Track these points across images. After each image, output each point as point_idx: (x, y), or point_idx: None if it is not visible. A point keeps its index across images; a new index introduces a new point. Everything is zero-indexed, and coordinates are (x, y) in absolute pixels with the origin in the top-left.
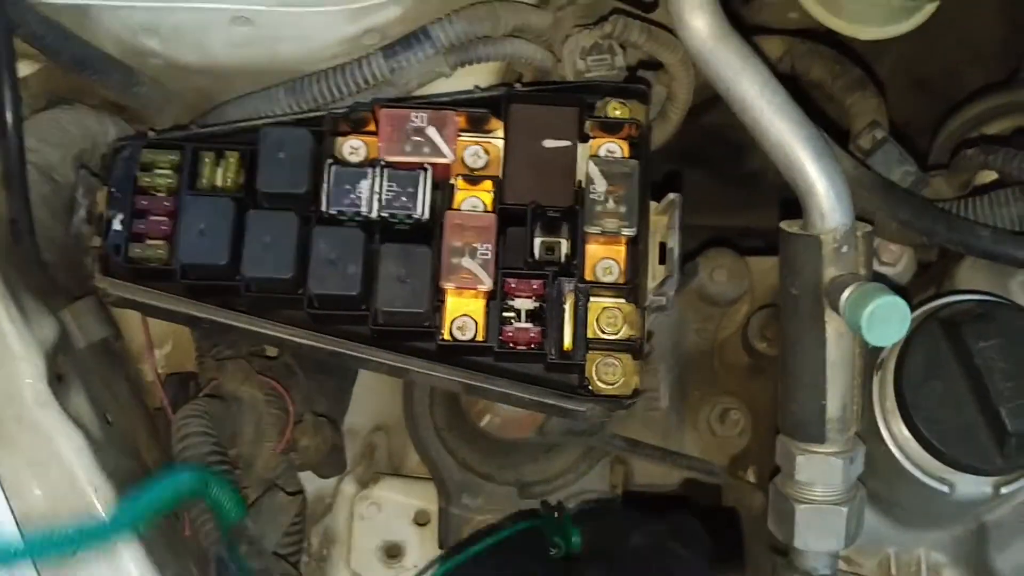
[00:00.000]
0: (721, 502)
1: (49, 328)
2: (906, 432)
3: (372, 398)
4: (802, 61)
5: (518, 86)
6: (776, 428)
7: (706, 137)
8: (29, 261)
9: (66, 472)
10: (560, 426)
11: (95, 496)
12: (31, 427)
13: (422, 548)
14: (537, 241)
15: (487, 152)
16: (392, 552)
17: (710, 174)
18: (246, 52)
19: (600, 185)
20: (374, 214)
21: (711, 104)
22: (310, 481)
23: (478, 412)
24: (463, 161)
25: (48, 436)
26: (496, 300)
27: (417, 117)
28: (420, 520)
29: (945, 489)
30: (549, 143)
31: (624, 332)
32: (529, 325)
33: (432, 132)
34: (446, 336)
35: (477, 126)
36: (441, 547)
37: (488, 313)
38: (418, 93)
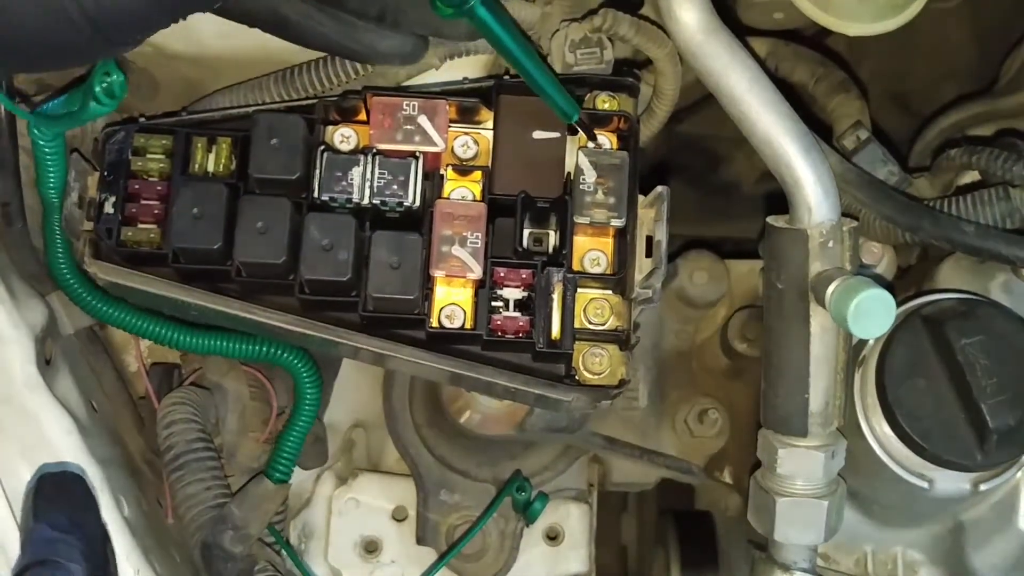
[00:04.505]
0: (695, 503)
1: (39, 312)
2: (887, 428)
3: (352, 395)
4: (786, 63)
5: (507, 78)
6: (753, 429)
7: (682, 147)
8: (20, 245)
9: (54, 455)
10: (539, 423)
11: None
12: (20, 410)
13: (400, 543)
14: (526, 231)
15: (477, 143)
16: (370, 547)
17: (686, 184)
18: (235, 42)
19: (589, 176)
20: (366, 201)
21: (687, 114)
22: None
23: (457, 409)
24: (453, 151)
25: (37, 419)
26: (485, 289)
27: (409, 106)
28: (398, 516)
29: (924, 485)
30: (538, 134)
31: (611, 323)
32: (517, 314)
33: (423, 121)
34: (435, 324)
35: (467, 117)
36: (419, 543)
37: (477, 302)
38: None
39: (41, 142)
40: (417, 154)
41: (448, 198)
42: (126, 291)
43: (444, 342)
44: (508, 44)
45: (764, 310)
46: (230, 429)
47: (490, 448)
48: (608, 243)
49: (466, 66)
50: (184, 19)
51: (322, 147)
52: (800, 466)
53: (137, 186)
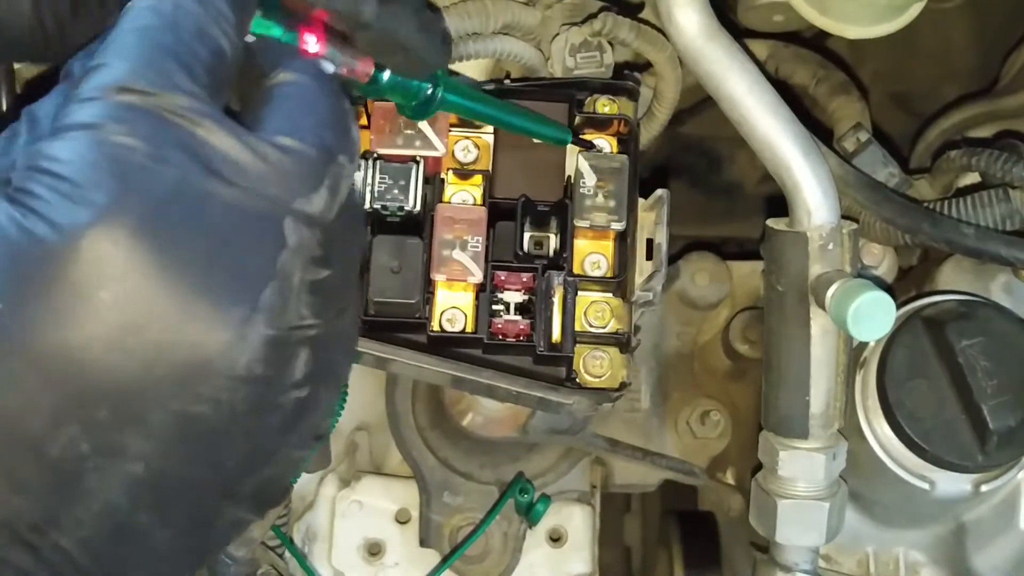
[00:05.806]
0: (698, 504)
1: None
2: (888, 430)
3: (354, 398)
4: (786, 65)
5: (507, 82)
6: (755, 430)
7: (684, 148)
8: None
9: None
10: (542, 425)
11: None
12: None
13: (403, 546)
14: (526, 235)
15: (477, 147)
16: (373, 550)
17: (688, 185)
18: None
19: (589, 180)
20: (367, 205)
21: (689, 115)
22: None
23: (460, 411)
24: (453, 155)
25: None
26: (486, 293)
27: None
28: (401, 518)
29: (926, 487)
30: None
31: (612, 326)
32: (518, 318)
33: (424, 126)
34: (436, 328)
35: (468, 121)
36: (422, 545)
37: (477, 306)
38: None
39: None
40: (418, 158)
41: (449, 202)
42: None
43: (445, 346)
44: (481, 112)
45: (764, 313)
46: None
47: (493, 450)
48: (608, 246)
49: (466, 71)
50: None
51: None
52: (801, 468)
53: None
